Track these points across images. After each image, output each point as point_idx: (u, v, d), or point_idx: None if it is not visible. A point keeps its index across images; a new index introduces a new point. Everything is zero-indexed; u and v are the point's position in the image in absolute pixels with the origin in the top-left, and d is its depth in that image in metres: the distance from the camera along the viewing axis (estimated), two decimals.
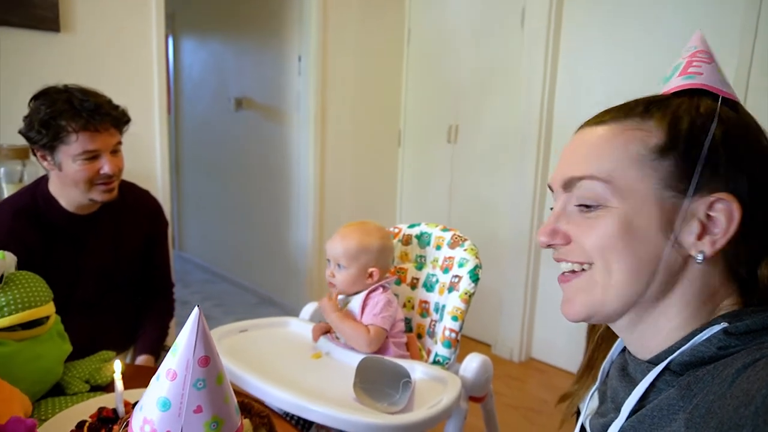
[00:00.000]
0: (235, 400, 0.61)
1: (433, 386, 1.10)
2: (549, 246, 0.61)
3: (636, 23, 2.32)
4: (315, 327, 1.32)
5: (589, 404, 0.68)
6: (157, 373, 0.56)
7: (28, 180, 1.88)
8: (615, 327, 0.61)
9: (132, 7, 2.23)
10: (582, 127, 0.63)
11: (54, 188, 1.35)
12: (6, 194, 1.91)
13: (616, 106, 0.61)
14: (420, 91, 3.25)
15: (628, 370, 0.61)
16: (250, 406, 0.76)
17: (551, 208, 0.64)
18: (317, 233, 3.08)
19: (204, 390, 0.56)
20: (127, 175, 1.48)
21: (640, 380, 0.56)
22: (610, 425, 0.57)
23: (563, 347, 2.72)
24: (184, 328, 0.55)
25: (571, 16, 2.54)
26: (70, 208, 1.36)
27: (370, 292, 1.27)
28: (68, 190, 1.33)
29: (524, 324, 2.82)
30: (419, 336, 1.40)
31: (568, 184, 0.60)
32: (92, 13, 2.12)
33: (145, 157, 2.40)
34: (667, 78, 0.62)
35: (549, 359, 2.81)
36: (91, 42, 2.14)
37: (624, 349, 0.66)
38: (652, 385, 0.55)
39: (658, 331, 0.57)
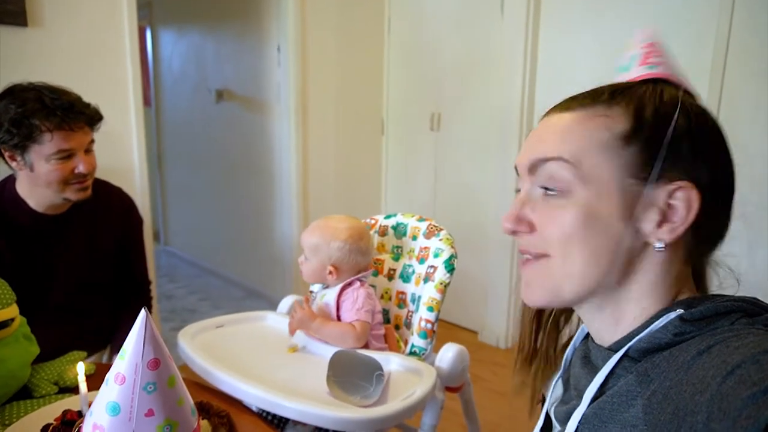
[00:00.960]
0: (191, 401, 0.60)
1: (408, 378, 1.10)
2: (513, 233, 0.59)
3: (616, 9, 2.31)
4: (292, 321, 1.31)
5: (554, 392, 0.68)
6: (106, 377, 0.55)
7: None
8: (579, 312, 0.61)
9: None
10: (548, 112, 0.62)
11: (22, 189, 1.32)
12: None
13: (583, 93, 0.60)
14: (402, 80, 3.22)
15: (590, 357, 0.62)
16: (208, 406, 0.75)
17: (517, 190, 0.62)
18: (301, 225, 3.06)
19: (155, 393, 0.54)
20: (105, 171, 1.45)
21: (602, 367, 0.56)
22: (572, 412, 0.57)
23: None
24: (131, 331, 0.54)
25: (550, 2, 2.52)
26: (39, 209, 1.33)
27: (345, 287, 1.26)
28: (39, 191, 1.30)
29: (510, 310, 2.83)
30: (397, 327, 1.40)
31: (534, 167, 0.58)
32: (61, 6, 2.06)
33: (123, 151, 2.36)
34: (625, 67, 0.62)
35: None
36: (61, 36, 2.09)
37: (586, 337, 0.65)
38: (612, 371, 0.55)
39: (621, 318, 0.57)
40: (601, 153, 0.54)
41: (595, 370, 0.58)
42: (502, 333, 2.86)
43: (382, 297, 1.43)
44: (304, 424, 1.19)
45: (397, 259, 1.44)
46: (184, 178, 4.19)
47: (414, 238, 1.40)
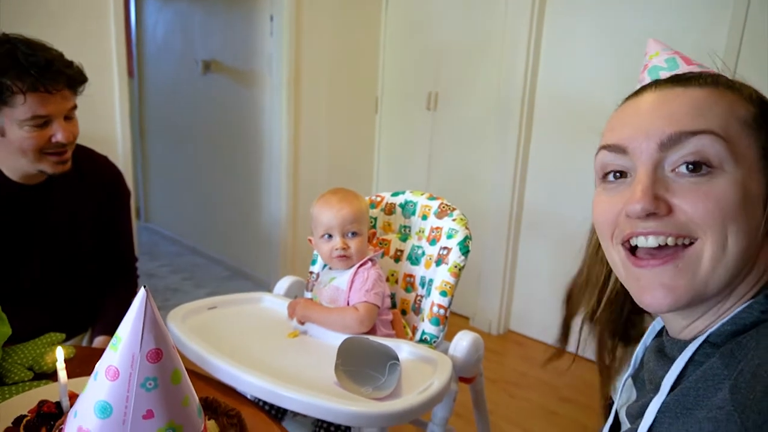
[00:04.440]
0: (197, 400, 0.50)
1: (421, 368, 1.01)
2: (648, 216, 0.51)
3: None
4: (291, 303, 1.21)
5: (623, 394, 0.62)
6: (94, 370, 0.45)
7: None
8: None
9: None
10: (654, 88, 0.56)
11: None
12: None
13: (690, 74, 0.56)
14: (398, 56, 3.10)
15: (665, 351, 0.58)
16: (216, 404, 0.65)
17: (612, 173, 0.56)
18: (291, 203, 2.95)
19: (155, 391, 0.44)
20: (85, 142, 1.32)
21: (678, 357, 0.53)
22: (648, 405, 0.53)
23: (540, 319, 2.69)
24: (127, 314, 0.44)
25: None
26: (15, 178, 1.19)
27: (360, 267, 1.16)
28: (13, 159, 1.16)
29: (503, 297, 2.77)
30: (403, 312, 1.31)
31: (674, 141, 0.51)
32: None
33: (105, 121, 2.21)
34: (667, 69, 0.61)
35: (527, 331, 2.78)
36: None
37: (659, 334, 0.60)
38: (691, 360, 0.52)
39: (719, 310, 0.53)
40: (745, 130, 0.51)
41: (671, 362, 0.54)
42: (494, 319, 2.80)
43: (387, 280, 1.33)
44: (304, 416, 1.10)
45: (404, 239, 1.34)
46: (167, 152, 4.03)
47: (424, 217, 1.31)
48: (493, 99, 2.67)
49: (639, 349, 0.63)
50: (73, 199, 1.29)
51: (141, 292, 0.43)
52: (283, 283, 1.39)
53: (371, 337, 1.02)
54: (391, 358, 0.93)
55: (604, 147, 0.56)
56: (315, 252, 1.34)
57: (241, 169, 3.29)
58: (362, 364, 0.95)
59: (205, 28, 3.42)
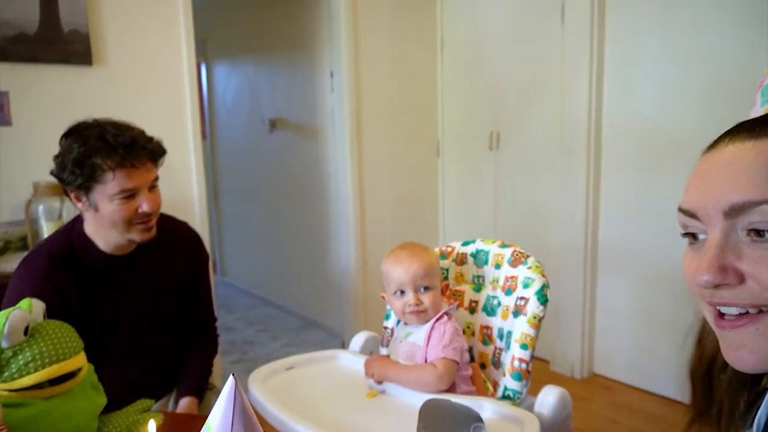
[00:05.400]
0: None
1: (507, 428, 0.96)
2: (716, 287, 0.49)
3: (690, 9, 2.14)
4: (367, 360, 1.20)
5: None
6: None
7: (67, 217, 1.85)
8: None
9: (162, 35, 2.20)
10: (729, 139, 0.52)
11: (90, 229, 1.28)
12: (46, 232, 1.89)
13: (757, 119, 0.52)
14: (457, 99, 3.12)
15: None
16: None
17: (686, 234, 0.55)
18: (359, 252, 2.98)
19: None
20: (164, 205, 1.41)
21: None
22: None
23: (628, 360, 2.52)
24: (218, 401, 0.44)
25: (615, 5, 2.37)
26: (107, 250, 1.29)
27: (436, 321, 1.15)
28: (105, 231, 1.26)
29: (584, 337, 2.63)
30: (482, 366, 1.27)
31: (738, 210, 0.49)
32: (123, 44, 2.10)
33: (182, 185, 2.35)
34: None
35: (613, 374, 2.61)
36: (123, 73, 2.11)
37: None
38: None
39: None
40: None
41: None
42: (576, 362, 2.65)
43: (463, 332, 1.30)
44: None
45: (478, 290, 1.31)
46: (238, 207, 4.21)
47: (497, 266, 1.28)
48: (557, 132, 2.61)
49: (762, 410, 0.57)
50: (157, 265, 1.36)
51: (230, 381, 0.44)
52: (359, 339, 1.38)
53: (452, 397, 0.99)
54: (475, 419, 0.90)
55: (680, 209, 0.55)
56: (388, 306, 1.34)
57: (309, 221, 3.37)
58: (445, 427, 0.92)
59: (271, 88, 3.61)
